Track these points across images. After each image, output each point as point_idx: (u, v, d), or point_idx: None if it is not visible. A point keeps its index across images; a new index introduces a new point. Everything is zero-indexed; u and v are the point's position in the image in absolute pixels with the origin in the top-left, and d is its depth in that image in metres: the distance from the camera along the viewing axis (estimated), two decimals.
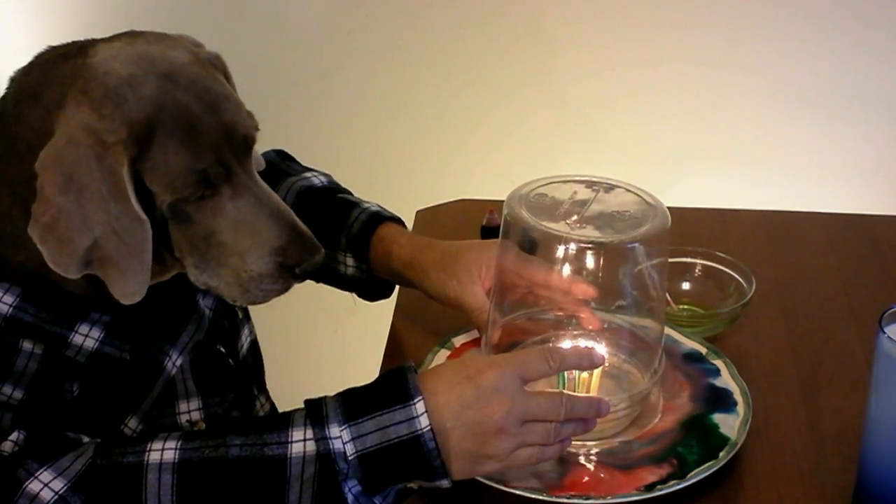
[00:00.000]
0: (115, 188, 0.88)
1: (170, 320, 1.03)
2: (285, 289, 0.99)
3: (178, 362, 1.02)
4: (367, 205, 1.24)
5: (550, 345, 1.11)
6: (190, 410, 1.03)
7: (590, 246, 1.03)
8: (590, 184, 1.10)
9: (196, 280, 0.98)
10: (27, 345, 0.92)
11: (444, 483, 0.92)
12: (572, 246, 1.03)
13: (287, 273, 0.98)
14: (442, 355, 1.16)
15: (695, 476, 0.99)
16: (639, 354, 1.11)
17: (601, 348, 1.10)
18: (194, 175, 0.91)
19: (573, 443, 1.01)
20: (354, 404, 0.91)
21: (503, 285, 1.10)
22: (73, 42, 0.95)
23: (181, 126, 0.91)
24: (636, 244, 1.02)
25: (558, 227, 1.03)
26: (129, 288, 0.91)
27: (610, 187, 1.09)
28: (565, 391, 1.00)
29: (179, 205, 0.92)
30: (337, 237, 1.21)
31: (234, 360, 1.11)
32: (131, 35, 0.96)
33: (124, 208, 0.89)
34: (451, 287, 1.14)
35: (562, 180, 1.10)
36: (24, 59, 0.96)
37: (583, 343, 1.11)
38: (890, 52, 1.84)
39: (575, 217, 1.05)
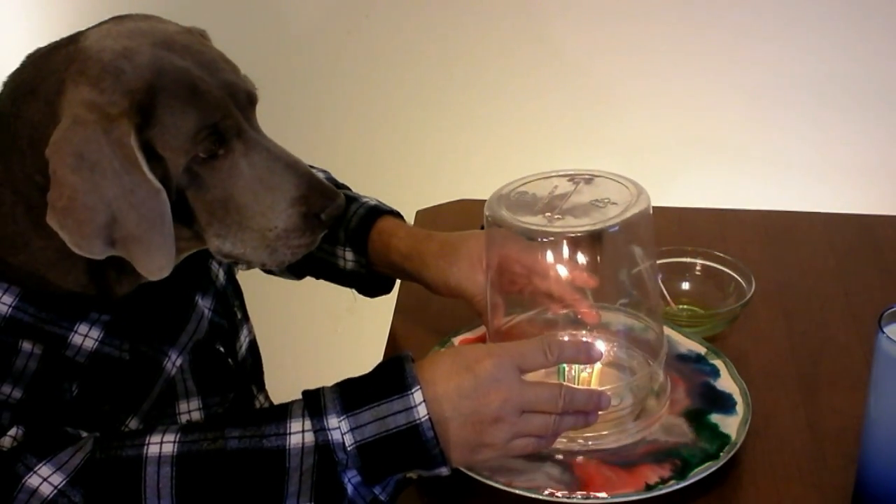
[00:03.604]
0: (125, 160, 0.88)
1: (169, 320, 1.03)
2: (312, 242, 0.99)
3: (178, 362, 1.02)
4: (365, 199, 1.24)
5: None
6: (190, 410, 1.03)
7: (569, 235, 1.03)
8: (570, 177, 1.10)
9: (218, 251, 0.98)
10: (26, 345, 0.92)
11: (444, 471, 0.92)
12: (552, 238, 1.03)
13: (313, 222, 0.97)
14: None
15: (695, 476, 0.99)
16: (639, 346, 1.12)
17: (600, 343, 1.11)
18: (205, 131, 0.92)
19: (578, 439, 1.01)
20: (352, 395, 0.91)
21: (504, 274, 1.11)
22: (60, 38, 0.96)
23: (183, 87, 0.91)
24: (616, 228, 1.02)
25: (536, 220, 1.03)
26: (156, 263, 0.91)
27: (590, 178, 1.09)
28: (565, 383, 1.00)
29: (194, 167, 0.92)
30: (335, 232, 1.21)
31: (233, 359, 1.11)
32: (118, 18, 0.97)
33: (138, 179, 0.89)
34: (452, 275, 1.14)
35: (542, 177, 1.10)
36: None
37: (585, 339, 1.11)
38: (892, 51, 1.84)
39: (554, 210, 1.05)
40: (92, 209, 0.88)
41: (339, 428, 0.89)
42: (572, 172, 1.10)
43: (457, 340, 1.19)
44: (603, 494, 0.97)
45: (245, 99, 0.97)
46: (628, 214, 1.02)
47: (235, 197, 0.95)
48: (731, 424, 1.06)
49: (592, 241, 1.03)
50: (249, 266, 1.29)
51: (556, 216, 1.04)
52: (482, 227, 1.37)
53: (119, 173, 0.88)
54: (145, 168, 0.89)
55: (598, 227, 1.02)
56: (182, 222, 0.95)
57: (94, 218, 0.88)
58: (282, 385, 1.28)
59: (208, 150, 0.93)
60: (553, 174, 1.11)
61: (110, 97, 0.88)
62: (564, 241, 1.04)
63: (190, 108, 0.91)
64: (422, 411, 0.89)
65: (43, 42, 0.97)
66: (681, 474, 0.99)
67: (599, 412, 0.97)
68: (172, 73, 0.91)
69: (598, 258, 1.06)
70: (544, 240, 1.04)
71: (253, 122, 0.98)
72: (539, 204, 1.06)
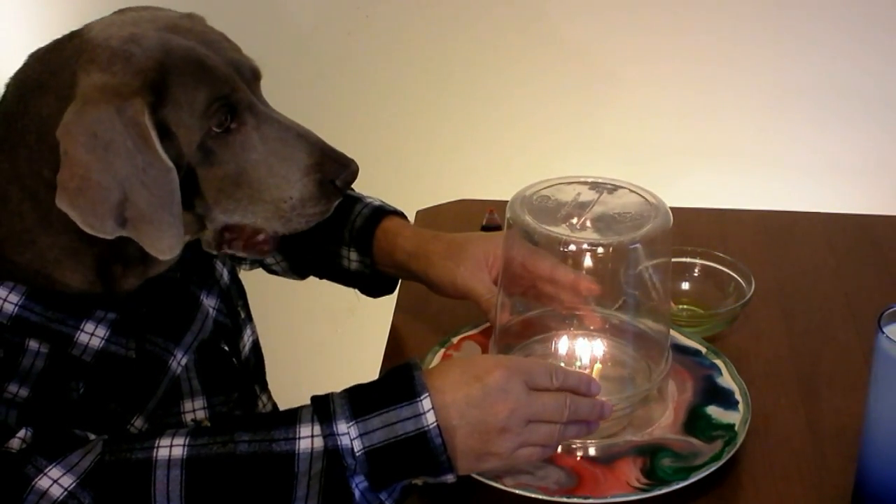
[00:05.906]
0: (139, 138, 0.89)
1: (174, 319, 1.03)
2: (326, 210, 1.00)
3: (183, 361, 1.02)
4: (369, 199, 1.25)
5: (554, 359, 1.12)
6: (195, 409, 1.03)
7: (590, 248, 1.04)
8: (594, 185, 1.10)
9: (223, 225, 0.98)
10: (33, 344, 0.93)
11: (450, 478, 0.93)
12: (573, 248, 1.04)
13: (329, 189, 0.98)
14: (441, 355, 1.16)
15: (695, 476, 0.99)
16: (643, 354, 1.12)
17: (601, 346, 1.12)
18: (216, 103, 0.93)
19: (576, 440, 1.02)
20: (361, 401, 0.91)
21: (509, 276, 1.11)
22: (61, 36, 0.96)
23: (191, 64, 0.92)
24: (637, 245, 1.03)
25: (559, 229, 1.04)
26: (165, 242, 0.92)
27: (613, 188, 1.10)
28: (569, 393, 1.00)
29: (208, 142, 0.93)
30: (340, 232, 1.21)
31: (237, 359, 1.11)
32: (118, 11, 0.98)
33: (151, 158, 0.89)
34: (459, 274, 1.15)
35: (565, 182, 1.11)
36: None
37: (588, 341, 1.12)
38: (891, 52, 1.84)
39: (576, 219, 1.06)
40: (105, 188, 0.88)
41: (347, 433, 0.89)
42: (594, 180, 1.11)
43: (457, 340, 1.19)
44: (602, 495, 0.97)
45: (250, 74, 0.98)
46: (650, 232, 1.03)
47: (249, 170, 0.96)
48: (729, 418, 1.06)
49: (612, 254, 1.04)
50: (253, 267, 1.29)
51: (578, 226, 1.05)
52: (482, 228, 1.38)
53: (132, 152, 0.88)
54: (158, 147, 0.90)
55: (619, 241, 1.03)
56: (186, 205, 0.95)
57: (108, 197, 0.88)
58: (283, 385, 1.29)
59: (221, 123, 0.94)
60: (576, 180, 1.11)
61: (122, 79, 0.89)
62: (585, 253, 1.05)
63: (200, 83, 0.92)
64: (430, 418, 0.90)
65: (43, 42, 0.97)
66: (651, 470, 1.00)
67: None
68: (180, 51, 0.92)
69: (614, 269, 1.06)
70: (565, 249, 1.04)
71: (260, 96, 0.99)
72: (562, 211, 1.07)
